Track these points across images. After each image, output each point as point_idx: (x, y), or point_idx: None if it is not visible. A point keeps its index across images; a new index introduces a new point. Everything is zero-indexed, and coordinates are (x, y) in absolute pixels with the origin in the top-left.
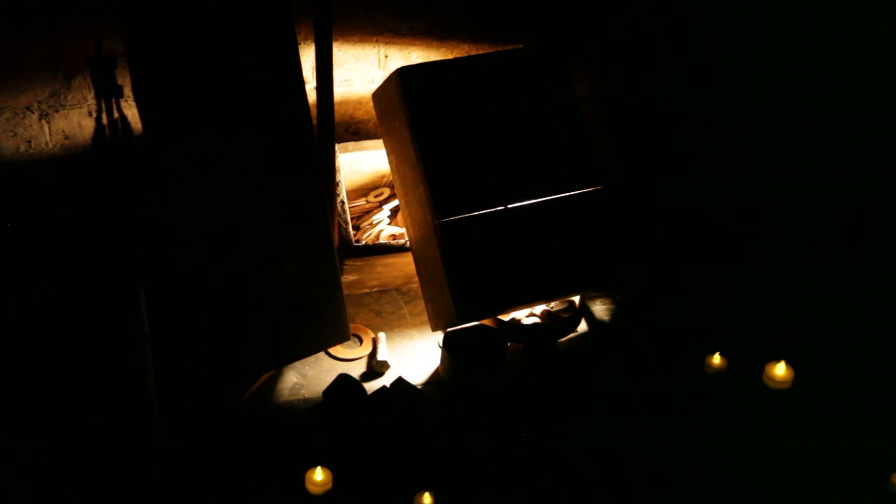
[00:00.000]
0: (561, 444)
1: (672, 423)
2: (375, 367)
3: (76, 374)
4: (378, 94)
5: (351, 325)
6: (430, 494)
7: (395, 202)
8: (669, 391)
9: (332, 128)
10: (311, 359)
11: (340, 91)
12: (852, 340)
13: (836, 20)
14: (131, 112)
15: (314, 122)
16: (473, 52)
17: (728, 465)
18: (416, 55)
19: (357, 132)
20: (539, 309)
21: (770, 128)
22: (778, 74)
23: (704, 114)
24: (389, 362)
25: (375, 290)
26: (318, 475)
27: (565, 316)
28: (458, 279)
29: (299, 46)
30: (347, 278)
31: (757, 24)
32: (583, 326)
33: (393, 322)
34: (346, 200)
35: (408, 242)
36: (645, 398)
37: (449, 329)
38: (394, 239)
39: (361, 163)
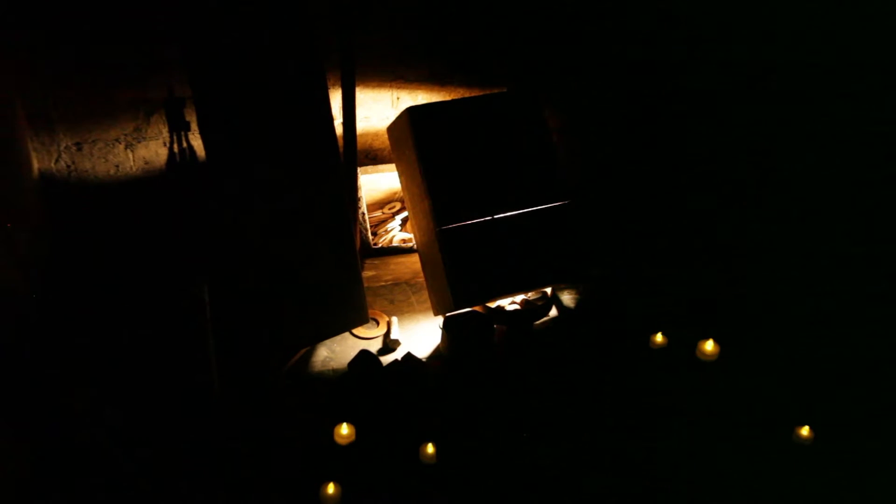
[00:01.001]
0: (535, 406)
1: (621, 388)
2: (389, 345)
3: (156, 352)
4: (391, 128)
5: (370, 311)
6: (433, 445)
7: (405, 213)
8: (620, 363)
9: (354, 154)
10: (338, 337)
11: (361, 125)
12: (770, 321)
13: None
14: (197, 143)
15: (341, 150)
16: (467, 94)
17: (663, 422)
18: (421, 97)
19: (375, 158)
20: (519, 298)
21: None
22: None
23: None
24: (400, 340)
25: (389, 283)
26: (345, 429)
27: (540, 303)
28: (455, 274)
29: (329, 90)
30: (367, 274)
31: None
32: (553, 312)
33: (403, 308)
34: (366, 212)
35: (415, 245)
36: (600, 369)
37: (448, 314)
38: (404, 243)
39: (378, 182)
